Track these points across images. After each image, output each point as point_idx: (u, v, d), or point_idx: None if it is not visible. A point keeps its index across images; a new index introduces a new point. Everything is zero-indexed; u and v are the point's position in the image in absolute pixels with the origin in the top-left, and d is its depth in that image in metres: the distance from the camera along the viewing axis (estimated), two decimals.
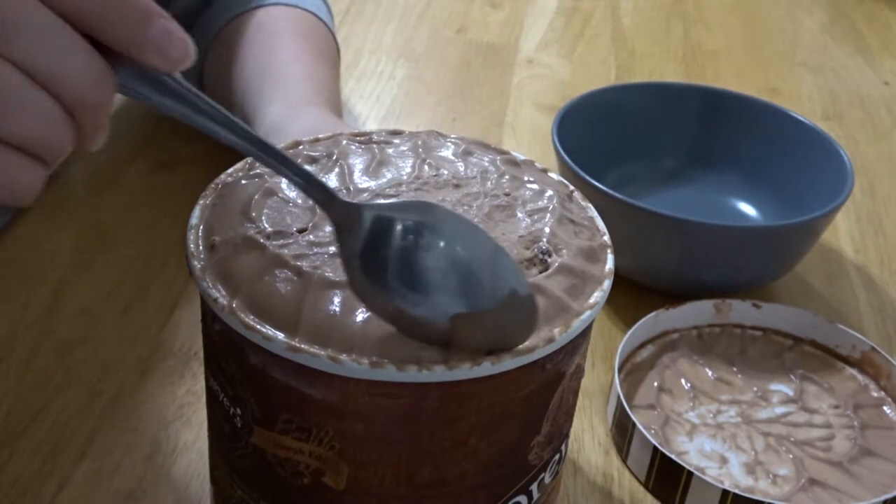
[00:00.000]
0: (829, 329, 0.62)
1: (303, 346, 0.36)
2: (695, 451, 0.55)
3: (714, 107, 0.76)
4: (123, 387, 0.57)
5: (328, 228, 0.40)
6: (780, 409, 0.58)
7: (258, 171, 0.44)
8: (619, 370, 0.58)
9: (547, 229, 0.41)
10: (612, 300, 0.62)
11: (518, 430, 0.39)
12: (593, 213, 0.44)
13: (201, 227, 0.41)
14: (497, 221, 0.41)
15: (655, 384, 0.59)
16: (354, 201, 0.39)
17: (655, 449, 0.53)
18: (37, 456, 0.53)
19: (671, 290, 0.65)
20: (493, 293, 0.35)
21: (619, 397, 0.55)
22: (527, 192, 0.44)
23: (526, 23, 1.07)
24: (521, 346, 0.36)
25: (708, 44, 1.06)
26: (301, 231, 0.40)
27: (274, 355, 0.36)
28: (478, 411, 0.37)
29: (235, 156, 0.44)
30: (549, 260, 0.40)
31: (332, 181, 0.43)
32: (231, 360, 0.39)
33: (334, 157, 0.45)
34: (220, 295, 0.37)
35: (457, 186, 0.43)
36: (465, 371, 0.35)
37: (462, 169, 0.45)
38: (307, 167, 0.39)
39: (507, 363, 0.36)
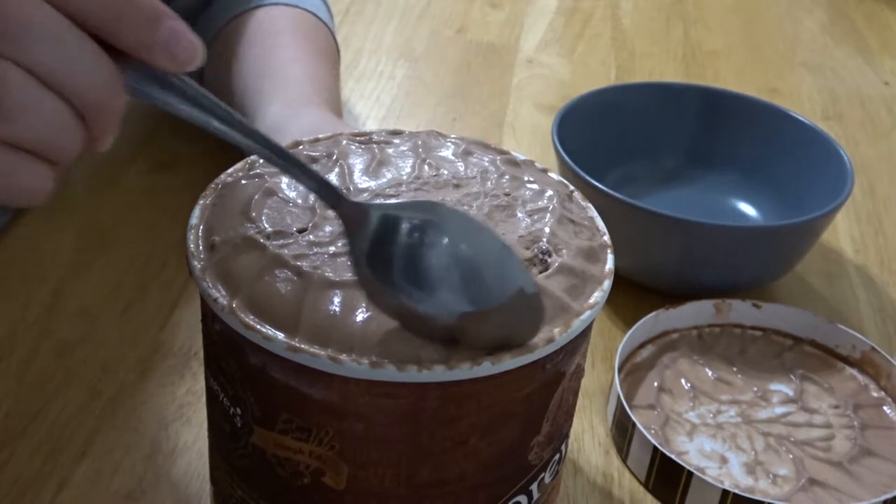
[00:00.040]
0: (829, 329, 0.62)
1: (303, 346, 0.36)
2: (695, 451, 0.55)
3: (714, 107, 0.76)
4: (123, 387, 0.57)
5: (328, 228, 0.40)
6: (780, 409, 0.58)
7: (258, 171, 0.44)
8: (619, 370, 0.58)
9: (547, 229, 0.41)
10: (612, 300, 0.62)
11: (518, 430, 0.39)
12: (593, 213, 0.44)
13: (201, 227, 0.41)
14: (497, 221, 0.41)
15: (655, 384, 0.59)
16: (363, 201, 0.39)
17: (655, 449, 0.53)
18: (37, 456, 0.53)
19: (671, 290, 0.65)
20: (501, 291, 0.35)
21: (619, 397, 0.55)
22: (527, 192, 0.44)
23: (526, 23, 1.07)
24: (520, 347, 0.36)
25: (708, 44, 1.06)
26: (301, 231, 0.40)
27: (274, 355, 0.36)
28: (478, 411, 0.37)
29: (235, 156, 0.44)
30: (549, 260, 0.40)
31: (331, 181, 0.43)
32: (231, 360, 0.39)
33: (334, 157, 0.45)
34: (220, 295, 0.37)
35: (457, 186, 0.43)
36: (465, 371, 0.35)
37: (462, 169, 0.45)
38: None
39: (507, 363, 0.36)
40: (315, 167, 0.44)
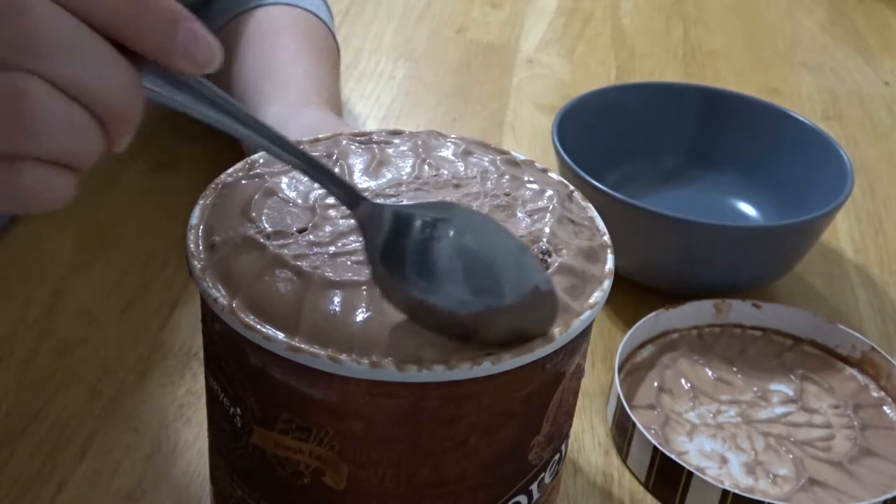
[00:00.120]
0: (829, 329, 0.62)
1: (303, 346, 0.36)
2: (695, 451, 0.55)
3: (714, 107, 0.76)
4: (123, 387, 0.57)
5: (328, 228, 0.40)
6: (780, 409, 0.58)
7: (258, 171, 0.44)
8: (619, 370, 0.58)
9: (547, 229, 0.41)
10: (612, 300, 0.61)
11: (518, 430, 0.39)
12: (593, 213, 0.44)
13: (201, 227, 0.41)
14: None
15: (655, 384, 0.59)
16: (379, 201, 0.39)
17: (655, 449, 0.53)
18: (37, 456, 0.53)
19: (671, 290, 0.65)
20: (517, 288, 0.35)
21: (619, 397, 0.55)
22: (527, 192, 0.44)
23: (526, 23, 1.07)
24: (520, 346, 0.36)
25: (708, 44, 1.06)
26: (301, 231, 0.40)
27: (274, 355, 0.36)
28: (478, 411, 0.37)
29: (235, 156, 0.44)
30: (550, 260, 0.40)
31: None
32: (231, 360, 0.39)
33: (334, 157, 0.45)
34: (220, 295, 0.37)
35: (457, 186, 0.43)
36: (465, 371, 0.35)
37: (462, 169, 0.45)
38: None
39: (507, 363, 0.36)
40: None
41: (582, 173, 0.63)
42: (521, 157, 0.47)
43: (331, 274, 0.37)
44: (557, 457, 0.43)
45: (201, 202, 0.42)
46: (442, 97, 0.91)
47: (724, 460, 0.55)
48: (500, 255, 0.37)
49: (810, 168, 0.71)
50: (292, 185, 0.42)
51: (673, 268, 0.64)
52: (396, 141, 0.47)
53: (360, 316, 0.36)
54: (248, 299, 0.37)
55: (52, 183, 0.33)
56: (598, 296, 0.39)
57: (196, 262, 0.39)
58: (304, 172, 0.37)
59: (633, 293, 0.65)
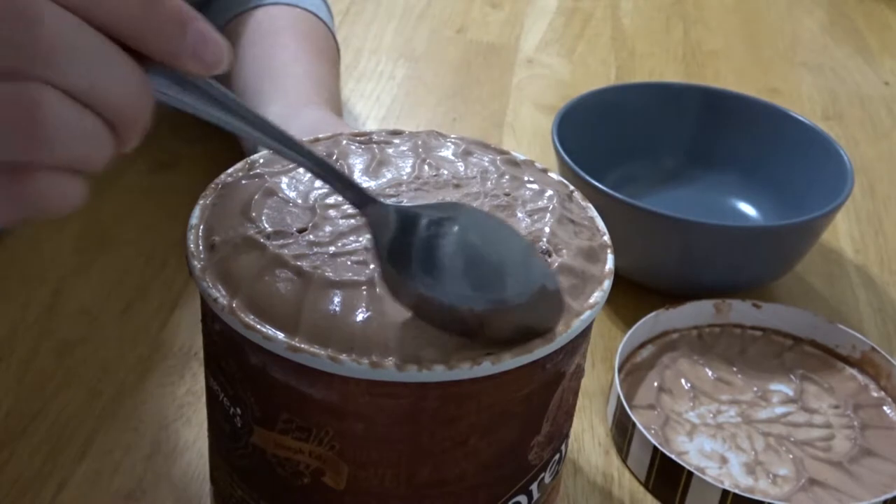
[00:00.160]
0: (829, 329, 0.62)
1: (303, 345, 0.36)
2: (695, 451, 0.55)
3: (714, 107, 0.76)
4: (123, 387, 0.57)
5: (328, 228, 0.40)
6: (780, 409, 0.58)
7: (258, 171, 0.44)
8: (619, 370, 0.58)
9: (547, 229, 0.41)
10: (612, 300, 0.62)
11: (518, 430, 0.39)
12: (593, 213, 0.44)
13: (201, 227, 0.41)
14: None
15: (655, 384, 0.59)
16: (389, 202, 0.39)
17: (655, 449, 0.53)
18: (37, 456, 0.53)
19: (671, 290, 0.65)
20: (524, 287, 0.36)
21: (619, 397, 0.55)
22: (527, 192, 0.44)
23: (526, 23, 1.07)
24: (520, 346, 0.36)
25: (708, 44, 1.06)
26: (301, 231, 0.40)
27: (274, 355, 0.36)
28: (478, 411, 0.37)
29: (235, 156, 0.44)
30: (550, 260, 0.40)
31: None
32: (231, 360, 0.39)
33: (334, 157, 0.45)
34: (220, 295, 0.37)
35: (457, 186, 0.43)
36: (465, 371, 0.35)
37: (462, 169, 0.45)
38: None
39: (507, 363, 0.36)
40: None
41: (582, 173, 0.63)
42: (521, 157, 0.47)
43: (331, 274, 0.37)
44: (557, 457, 0.43)
45: (201, 202, 0.42)
46: (442, 97, 0.91)
47: (724, 460, 0.55)
48: (508, 254, 0.37)
49: (810, 168, 0.71)
50: (292, 185, 0.42)
51: (673, 268, 0.64)
52: (396, 141, 0.47)
53: (360, 316, 0.36)
54: (248, 299, 0.37)
55: (63, 189, 0.33)
56: (598, 296, 0.39)
57: (196, 262, 0.39)
58: (314, 173, 0.37)
59: (633, 293, 0.65)
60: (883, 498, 0.52)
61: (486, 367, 0.36)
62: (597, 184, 0.62)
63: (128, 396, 0.57)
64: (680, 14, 1.12)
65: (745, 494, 0.50)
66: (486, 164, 0.45)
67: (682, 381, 0.60)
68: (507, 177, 0.44)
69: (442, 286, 0.35)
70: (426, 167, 0.44)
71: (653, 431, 0.56)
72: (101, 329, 0.61)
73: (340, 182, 0.38)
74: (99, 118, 0.32)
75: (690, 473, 0.51)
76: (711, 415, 0.58)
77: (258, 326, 0.36)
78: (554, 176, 0.46)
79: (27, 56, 0.30)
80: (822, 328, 0.62)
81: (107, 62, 0.32)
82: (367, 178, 0.43)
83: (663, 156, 0.76)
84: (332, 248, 0.39)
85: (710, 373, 0.60)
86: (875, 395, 0.60)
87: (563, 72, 0.98)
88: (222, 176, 0.44)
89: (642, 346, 0.62)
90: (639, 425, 0.53)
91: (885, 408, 0.59)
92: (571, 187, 0.46)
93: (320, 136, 0.47)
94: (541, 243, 0.40)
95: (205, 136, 0.74)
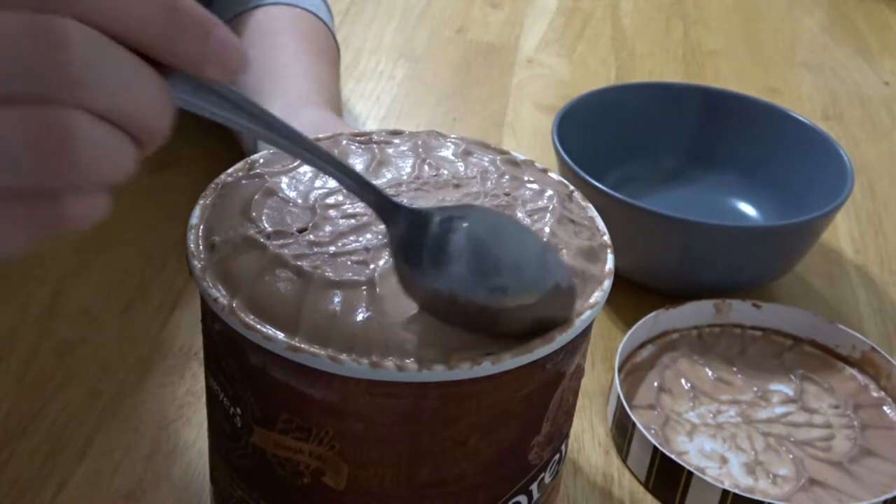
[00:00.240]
0: (829, 329, 0.62)
1: (303, 345, 0.36)
2: (695, 451, 0.55)
3: (714, 107, 0.76)
4: (123, 387, 0.57)
5: (328, 228, 0.40)
6: (780, 409, 0.58)
7: (258, 170, 0.44)
8: (619, 370, 0.58)
9: (547, 229, 0.41)
10: (612, 300, 0.62)
11: (518, 430, 0.39)
12: (593, 213, 0.44)
13: (201, 227, 0.41)
14: None
15: (655, 384, 0.59)
16: (406, 204, 0.39)
17: (655, 449, 0.53)
18: (37, 456, 0.53)
19: (671, 290, 0.65)
20: (540, 284, 0.36)
21: (619, 397, 0.55)
22: (527, 192, 0.44)
23: (526, 23, 1.07)
24: (520, 346, 0.36)
25: (708, 44, 1.06)
26: (301, 231, 0.40)
27: (274, 355, 0.36)
28: (478, 411, 0.37)
29: (235, 156, 0.44)
30: None
31: (332, 181, 0.43)
32: (231, 360, 0.39)
33: None
34: (220, 295, 0.37)
35: (457, 186, 0.43)
36: (465, 371, 0.35)
37: (462, 169, 0.45)
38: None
39: (507, 363, 0.36)
40: None
41: (582, 173, 0.63)
42: (521, 157, 0.47)
43: (331, 274, 0.37)
44: (557, 457, 0.43)
45: (201, 202, 0.42)
46: (442, 97, 0.91)
47: (724, 460, 0.55)
48: (524, 251, 0.37)
49: (810, 168, 0.71)
50: (292, 185, 0.42)
51: (673, 268, 0.64)
52: (396, 141, 0.47)
53: (360, 316, 0.36)
54: (248, 299, 0.37)
55: (90, 208, 0.32)
56: (598, 296, 0.39)
57: (196, 262, 0.39)
58: (333, 176, 0.37)
59: (633, 293, 0.65)
60: (883, 498, 0.52)
61: (486, 367, 0.36)
62: (597, 184, 0.62)
63: (128, 396, 0.57)
64: (680, 14, 1.12)
65: (745, 494, 0.50)
66: (486, 164, 0.45)
67: (682, 381, 0.60)
68: (507, 177, 0.44)
69: (458, 282, 0.35)
70: (426, 167, 0.44)
71: (653, 431, 0.56)
72: (101, 329, 0.61)
73: (360, 185, 0.37)
74: (125, 133, 0.32)
75: (690, 473, 0.51)
76: (711, 415, 0.58)
77: (258, 326, 0.36)
78: (554, 176, 0.46)
79: (57, 81, 0.29)
80: (822, 328, 0.62)
81: (134, 79, 0.31)
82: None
83: (663, 156, 0.76)
84: (332, 248, 0.39)
85: (710, 373, 0.60)
86: (875, 395, 0.60)
87: (563, 72, 0.98)
88: (222, 176, 0.44)
89: (642, 346, 0.62)
90: (639, 425, 0.53)
91: (885, 408, 0.59)
92: (571, 187, 0.46)
93: (320, 135, 0.47)
94: None
95: (205, 136, 0.74)
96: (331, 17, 0.79)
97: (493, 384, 0.37)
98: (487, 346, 0.36)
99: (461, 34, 1.03)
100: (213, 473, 0.45)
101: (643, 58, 1.02)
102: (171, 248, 0.67)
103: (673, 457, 0.52)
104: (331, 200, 0.41)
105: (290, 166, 0.44)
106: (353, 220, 0.40)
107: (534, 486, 0.42)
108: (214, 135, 0.72)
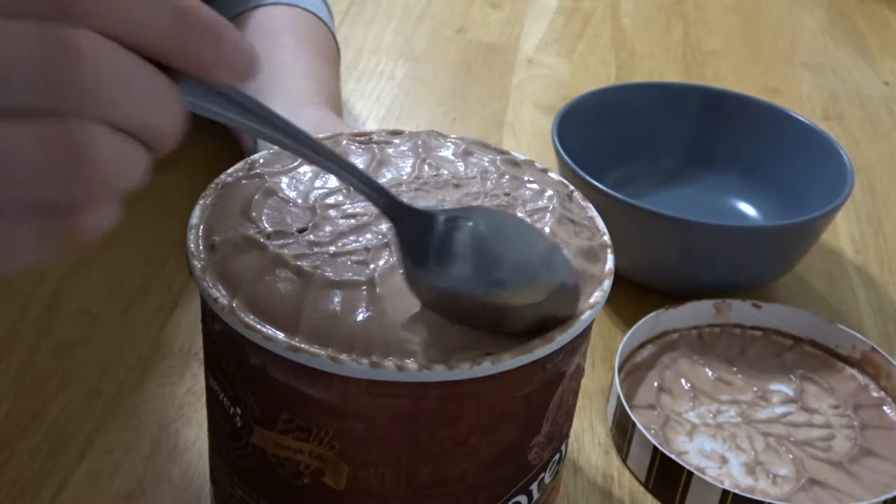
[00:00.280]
0: (829, 329, 0.62)
1: (303, 345, 0.36)
2: (695, 451, 0.55)
3: (714, 107, 0.76)
4: (123, 387, 0.57)
5: (328, 228, 0.40)
6: (780, 409, 0.58)
7: (258, 170, 0.44)
8: (619, 370, 0.58)
9: (547, 229, 0.41)
10: (612, 300, 0.62)
11: (518, 430, 0.39)
12: (593, 213, 0.44)
13: (201, 227, 0.41)
14: None
15: (655, 384, 0.59)
16: (416, 205, 0.39)
17: (655, 449, 0.53)
18: (37, 456, 0.53)
19: (671, 290, 0.65)
20: (546, 283, 0.37)
21: (619, 397, 0.55)
22: (527, 192, 0.44)
23: (526, 23, 1.07)
24: (520, 346, 0.36)
25: (708, 44, 1.06)
26: (301, 231, 0.40)
27: (274, 355, 0.36)
28: (478, 411, 0.37)
29: (235, 156, 0.44)
30: None
31: (332, 181, 0.43)
32: (231, 360, 0.39)
33: None
34: (220, 295, 0.37)
35: (457, 186, 0.43)
36: (465, 371, 0.35)
37: (462, 169, 0.45)
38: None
39: (507, 363, 0.36)
40: None
41: (582, 173, 0.63)
42: (521, 157, 0.47)
43: (331, 274, 0.37)
44: (557, 457, 0.43)
45: (201, 202, 0.42)
46: (442, 97, 0.91)
47: (724, 460, 0.55)
48: (531, 250, 0.38)
49: (810, 168, 0.71)
50: (292, 185, 0.42)
51: (673, 268, 0.64)
52: (396, 141, 0.47)
53: (360, 316, 0.36)
54: (248, 299, 0.37)
55: (104, 217, 0.32)
56: (598, 296, 0.39)
57: (196, 262, 0.39)
58: (342, 178, 0.37)
59: (633, 293, 0.65)
60: (883, 498, 0.52)
61: (486, 367, 0.36)
62: (597, 184, 0.62)
63: (128, 396, 0.57)
64: (680, 14, 1.12)
65: (745, 494, 0.50)
66: (486, 164, 0.45)
67: (682, 381, 0.60)
68: (507, 177, 0.44)
69: (464, 280, 0.36)
70: (426, 167, 0.44)
71: (653, 431, 0.56)
72: (101, 329, 0.61)
73: (368, 185, 0.37)
74: (139, 143, 0.32)
75: (690, 473, 0.51)
76: (711, 415, 0.58)
77: (258, 326, 0.36)
78: (554, 176, 0.46)
79: (73, 94, 0.29)
80: (822, 328, 0.62)
81: (148, 88, 0.31)
82: None
83: (663, 156, 0.76)
84: (332, 248, 0.39)
85: (710, 373, 0.60)
86: (875, 395, 0.60)
87: (563, 72, 0.98)
88: (222, 176, 0.44)
89: (642, 346, 0.62)
90: (639, 425, 0.53)
91: (885, 408, 0.59)
92: (571, 187, 0.46)
93: (320, 135, 0.47)
94: None
95: (205, 136, 0.74)
96: (331, 17, 0.79)
97: (493, 384, 0.37)
98: (487, 346, 0.36)
99: (461, 34, 1.03)
100: (213, 473, 0.45)
101: (643, 58, 1.02)
102: (171, 248, 0.67)
103: (673, 457, 0.52)
104: (331, 200, 0.41)
105: (290, 166, 0.44)
106: (353, 220, 0.40)
107: (534, 486, 0.42)
108: (214, 135, 0.72)
